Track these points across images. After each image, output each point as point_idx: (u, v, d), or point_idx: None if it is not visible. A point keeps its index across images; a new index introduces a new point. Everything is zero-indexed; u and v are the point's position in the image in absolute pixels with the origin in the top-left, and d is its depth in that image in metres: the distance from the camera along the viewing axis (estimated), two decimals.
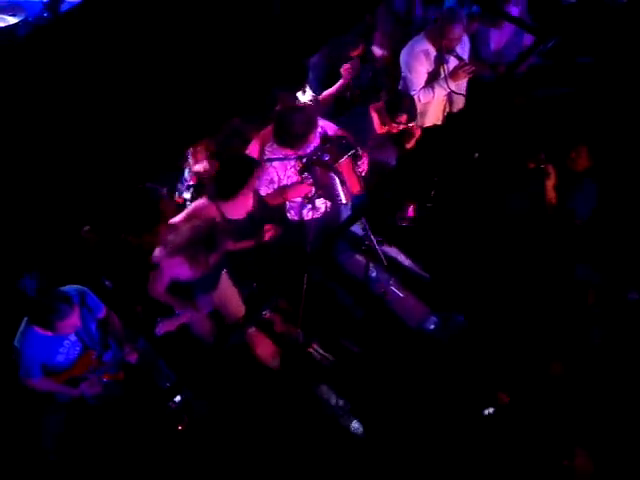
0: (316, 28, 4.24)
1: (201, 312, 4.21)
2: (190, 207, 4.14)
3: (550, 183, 4.78)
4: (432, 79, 4.99)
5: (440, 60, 4.91)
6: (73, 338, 3.72)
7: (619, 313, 4.37)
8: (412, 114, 4.66)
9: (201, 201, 4.16)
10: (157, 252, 3.87)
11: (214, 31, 4.10)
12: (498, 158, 5.27)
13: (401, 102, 4.69)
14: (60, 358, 3.72)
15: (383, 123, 4.74)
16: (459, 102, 5.29)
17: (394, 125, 4.69)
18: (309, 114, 4.34)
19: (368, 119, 4.77)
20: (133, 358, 3.94)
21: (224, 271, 4.39)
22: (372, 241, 4.68)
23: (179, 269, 3.83)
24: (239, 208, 4.13)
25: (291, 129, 4.21)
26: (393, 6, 5.38)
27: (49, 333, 3.55)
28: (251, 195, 4.17)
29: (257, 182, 4.40)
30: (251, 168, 4.04)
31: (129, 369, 4.02)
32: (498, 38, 5.41)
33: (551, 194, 4.79)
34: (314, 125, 4.29)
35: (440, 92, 4.98)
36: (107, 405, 3.94)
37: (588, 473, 3.78)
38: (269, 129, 4.38)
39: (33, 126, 3.48)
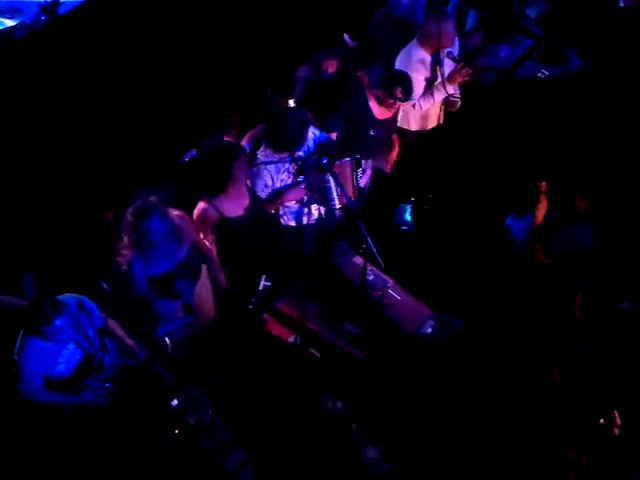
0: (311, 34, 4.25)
1: (184, 300, 4.20)
2: (194, 216, 4.14)
3: (539, 215, 4.71)
4: (429, 85, 5.02)
5: (436, 65, 4.94)
6: (72, 347, 3.71)
7: (610, 324, 4.32)
8: (407, 87, 4.69)
9: (200, 206, 4.15)
10: (119, 257, 3.93)
11: (210, 35, 4.10)
12: (498, 172, 5.25)
13: (395, 75, 4.77)
14: (61, 368, 3.71)
15: (380, 102, 4.78)
16: (456, 104, 5.29)
17: (391, 101, 4.72)
18: (301, 114, 4.38)
19: (366, 106, 4.82)
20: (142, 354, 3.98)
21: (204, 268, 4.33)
22: (370, 244, 4.68)
23: (137, 264, 3.86)
24: (235, 203, 4.12)
25: (286, 131, 4.21)
26: (396, 12, 5.39)
27: (47, 343, 3.55)
28: (243, 188, 4.15)
29: (250, 180, 4.40)
30: (231, 153, 4.02)
31: (128, 373, 4.02)
32: (506, 48, 5.44)
33: (537, 224, 4.72)
34: (307, 125, 4.33)
35: (439, 96, 5.02)
36: (107, 409, 3.92)
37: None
38: (257, 131, 4.39)
39: (29, 126, 3.48)
